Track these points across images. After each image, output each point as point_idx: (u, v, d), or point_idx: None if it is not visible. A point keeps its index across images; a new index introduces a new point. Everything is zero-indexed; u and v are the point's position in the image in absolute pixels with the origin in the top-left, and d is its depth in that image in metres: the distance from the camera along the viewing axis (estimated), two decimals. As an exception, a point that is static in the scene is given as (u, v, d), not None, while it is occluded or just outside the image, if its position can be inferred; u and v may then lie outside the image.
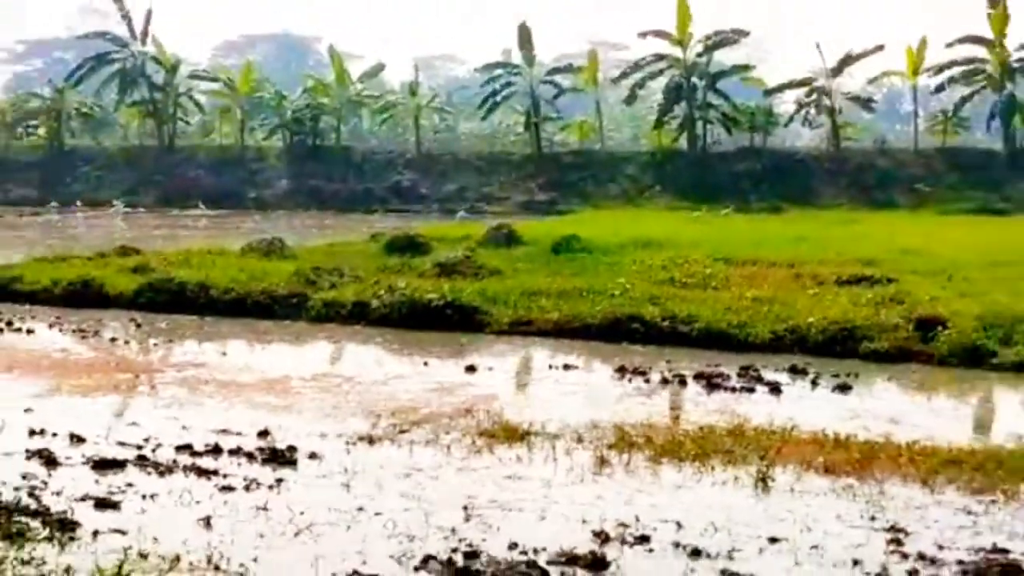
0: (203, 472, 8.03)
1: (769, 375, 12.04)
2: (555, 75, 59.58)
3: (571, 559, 6.30)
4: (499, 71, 60.25)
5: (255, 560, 6.20)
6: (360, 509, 7.22)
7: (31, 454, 8.42)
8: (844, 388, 11.63)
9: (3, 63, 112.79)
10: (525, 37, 57.81)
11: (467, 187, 52.95)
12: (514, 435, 9.20)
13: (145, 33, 60.17)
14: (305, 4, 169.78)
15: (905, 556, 6.48)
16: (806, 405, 10.81)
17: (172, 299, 17.02)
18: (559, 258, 21.47)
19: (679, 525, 6.94)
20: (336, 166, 56.18)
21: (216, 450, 8.59)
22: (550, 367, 12.94)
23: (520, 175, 54.45)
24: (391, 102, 64.23)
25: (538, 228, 28.57)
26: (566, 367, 12.81)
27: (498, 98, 59.16)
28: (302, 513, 7.08)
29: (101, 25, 64.83)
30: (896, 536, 6.82)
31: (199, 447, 8.65)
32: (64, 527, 6.71)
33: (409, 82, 65.50)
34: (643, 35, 55.71)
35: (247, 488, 7.68)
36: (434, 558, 6.26)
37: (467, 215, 43.94)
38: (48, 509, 7.06)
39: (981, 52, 52.49)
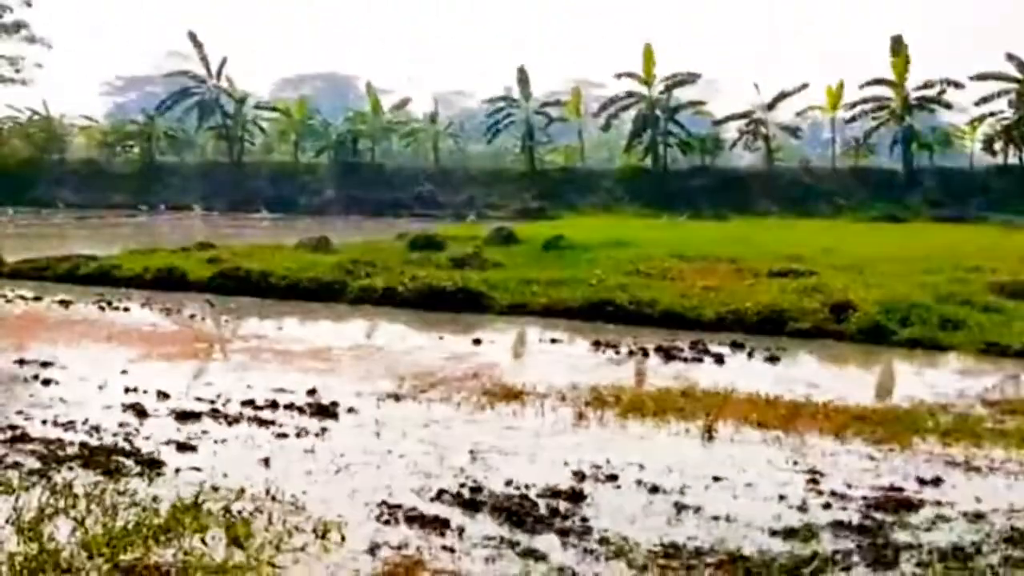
0: (263, 422, 8.03)
1: (714, 348, 12.02)
2: (546, 108, 59.44)
3: (555, 493, 6.31)
4: (501, 104, 60.19)
5: (304, 492, 6.20)
6: (388, 452, 7.22)
7: (126, 407, 8.41)
8: (774, 359, 11.62)
9: (106, 95, 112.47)
10: (523, 77, 57.81)
11: (475, 196, 52.80)
12: (511, 395, 9.20)
13: (219, 72, 60.00)
14: (348, 49, 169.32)
15: (820, 493, 6.49)
16: (744, 372, 10.78)
17: (239, 284, 16.99)
18: (548, 254, 21.41)
19: (641, 467, 6.94)
20: (371, 179, 56.04)
21: (274, 405, 8.59)
22: (540, 341, 12.95)
23: (517, 187, 54.33)
24: (415, 128, 64.17)
25: (531, 230, 28.49)
26: (553, 341, 12.81)
27: (500, 126, 59.18)
28: (342, 455, 7.09)
29: (184, 65, 64.32)
30: (813, 477, 6.82)
31: (260, 402, 8.64)
32: (152, 465, 6.71)
33: (430, 113, 65.30)
34: (618, 76, 55.71)
35: (298, 435, 7.68)
36: (446, 491, 6.27)
37: (475, 219, 43.83)
38: (139, 451, 7.06)
39: (886, 91, 52.48)
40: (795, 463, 7.17)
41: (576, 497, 6.26)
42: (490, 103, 61.53)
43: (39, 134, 61.89)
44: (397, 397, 9.10)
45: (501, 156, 63.96)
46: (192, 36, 59.75)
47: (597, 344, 12.30)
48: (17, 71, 59.07)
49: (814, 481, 6.72)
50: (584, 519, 5.90)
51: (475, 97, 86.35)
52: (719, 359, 11.51)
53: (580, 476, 6.69)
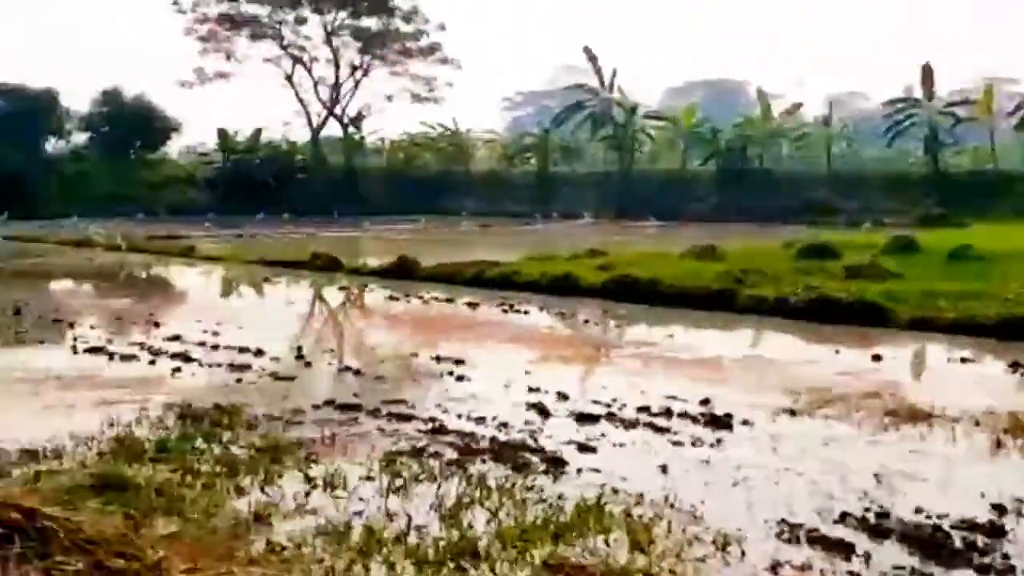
0: (658, 429, 8.15)
1: None
2: (952, 107, 55.42)
3: (971, 526, 5.84)
4: (901, 104, 56.93)
5: (702, 502, 6.22)
6: (786, 469, 7.05)
7: (530, 406, 8.88)
8: None
9: (505, 110, 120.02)
10: (926, 75, 54.27)
11: (870, 203, 50.31)
12: (916, 416, 8.63)
13: (611, 84, 61.93)
14: (736, 54, 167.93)
15: None
16: None
17: (628, 291, 17.34)
18: (954, 265, 19.92)
19: (1074, 506, 6.25)
20: (758, 186, 55.24)
21: (667, 412, 8.68)
22: (947, 360, 12.03)
23: (918, 193, 51.09)
24: (807, 133, 62.36)
25: (935, 238, 26.65)
26: (962, 360, 11.85)
27: (900, 128, 55.93)
28: (738, 468, 7.02)
29: (578, 79, 67.12)
30: None
31: (654, 409, 8.76)
32: (555, 463, 7.03)
33: (822, 116, 63.18)
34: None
35: (693, 444, 7.71)
36: (850, 514, 6.01)
37: (871, 226, 41.73)
38: (543, 448, 7.42)
39: None
40: None
41: (996, 532, 5.76)
42: (889, 104, 58.38)
43: (448, 148, 67.29)
44: (792, 412, 8.86)
45: (899, 160, 60.48)
46: (587, 51, 62.16)
47: (1015, 366, 11.22)
48: (431, 90, 64.71)
49: None
50: (1006, 556, 5.41)
51: (871, 99, 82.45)
52: None
53: (1000, 510, 6.14)
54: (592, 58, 61.94)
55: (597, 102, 62.25)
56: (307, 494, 6.30)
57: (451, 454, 7.25)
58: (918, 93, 55.89)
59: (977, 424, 8.38)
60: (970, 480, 6.83)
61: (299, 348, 12.03)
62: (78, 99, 62.44)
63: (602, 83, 62.17)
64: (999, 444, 7.79)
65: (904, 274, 17.98)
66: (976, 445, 7.78)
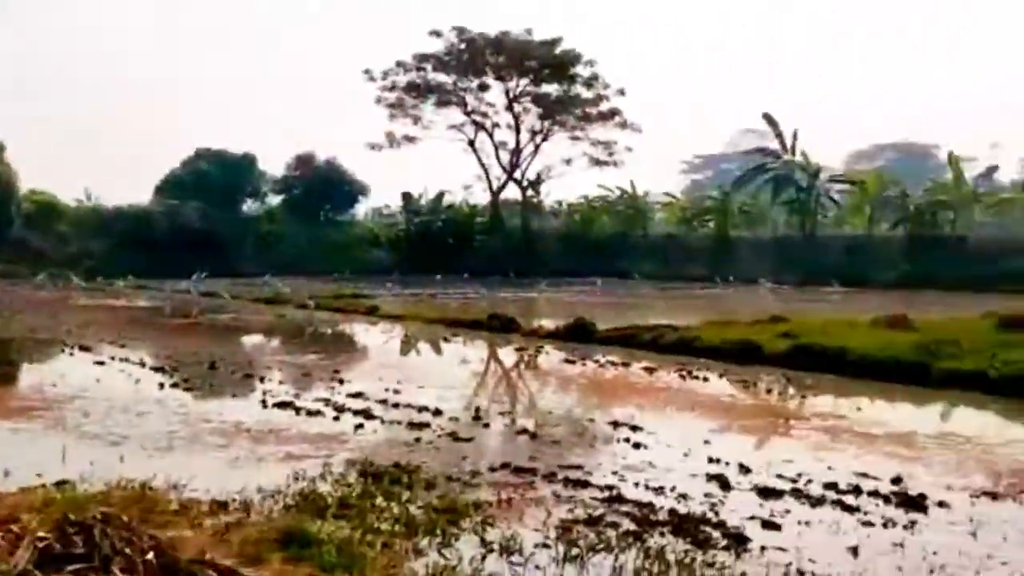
0: (846, 507, 7.76)
1: None
2: None
3: None
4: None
5: (896, 590, 5.86)
6: (989, 557, 6.57)
7: (710, 477, 8.64)
8: None
9: (684, 172, 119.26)
10: None
11: (1074, 271, 47.09)
12: None
13: (793, 147, 60.77)
14: (924, 116, 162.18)
15: None
16: None
17: (813, 359, 16.74)
18: None
19: None
20: (951, 252, 52.68)
21: (856, 490, 8.27)
22: None
23: None
24: (1004, 197, 59.32)
25: None
26: None
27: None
28: (935, 553, 6.59)
29: (759, 142, 66.23)
30: None
31: (843, 486, 8.37)
32: (737, 540, 6.78)
33: (1021, 179, 59.99)
34: None
35: (884, 525, 7.30)
36: (1062, 613, 5.54)
37: (1077, 297, 39.01)
38: (724, 523, 7.18)
39: None
40: None
41: None
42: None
43: (626, 211, 67.36)
44: (995, 496, 8.28)
45: (1109, 226, 56.62)
46: (767, 117, 61.32)
47: None
48: (610, 154, 65.07)
49: None
50: None
51: (1075, 160, 77.73)
52: None
53: None
54: (772, 123, 61.06)
55: (779, 165, 61.14)
56: (483, 558, 6.28)
57: (628, 524, 7.10)
58: None
59: None
60: None
61: (476, 409, 12.14)
62: (273, 162, 65.85)
63: (783, 146, 61.09)
64: None
65: (1118, 349, 16.63)
66: None
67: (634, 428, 10.92)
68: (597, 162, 65.19)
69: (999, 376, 14.47)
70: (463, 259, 56.56)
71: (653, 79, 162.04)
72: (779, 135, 61.06)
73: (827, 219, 64.24)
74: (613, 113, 63.77)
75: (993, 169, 61.52)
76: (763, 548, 6.61)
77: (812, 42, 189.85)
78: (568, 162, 65.13)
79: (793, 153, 60.83)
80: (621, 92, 63.50)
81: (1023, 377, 14.19)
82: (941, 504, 7.91)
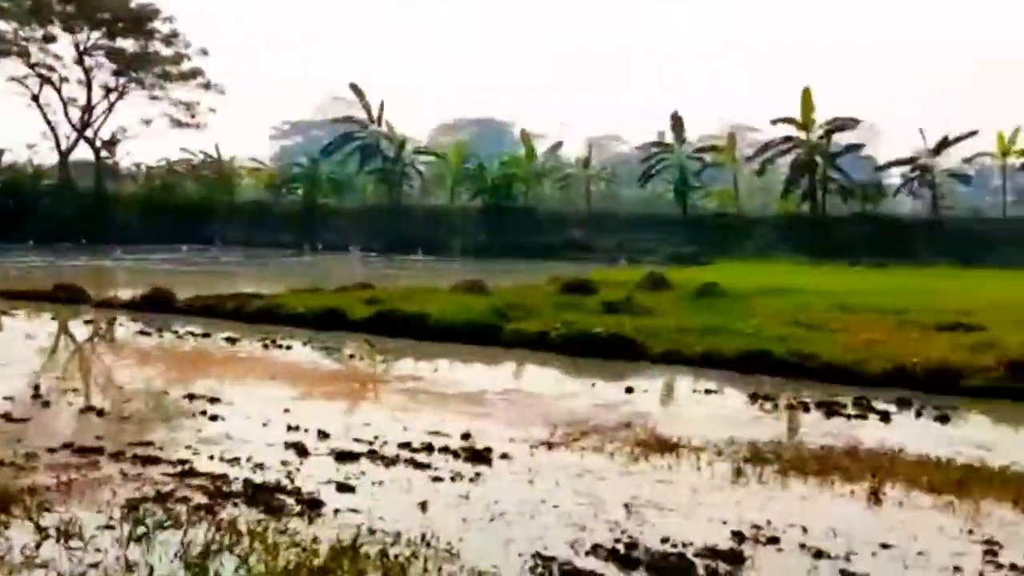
0: (419, 465, 8.08)
1: (879, 405, 11.51)
2: (700, 153, 59.09)
3: (713, 553, 6.11)
4: (654, 149, 60.14)
5: (460, 540, 6.19)
6: (542, 502, 7.15)
7: (288, 445, 8.61)
8: (944, 419, 11.04)
9: (273, 139, 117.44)
10: (676, 122, 57.65)
11: (626, 241, 52.68)
12: (665, 447, 9.00)
13: (380, 117, 62.01)
14: (503, 94, 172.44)
15: (999, 566, 6.08)
16: (911, 432, 10.28)
17: (396, 325, 17.30)
18: (701, 301, 21.09)
19: (804, 530, 6.66)
20: (523, 223, 56.66)
21: (429, 448, 8.65)
22: (694, 391, 12.67)
23: (669, 232, 53.97)
24: (568, 173, 64.74)
25: (684, 276, 28.22)
26: (707, 392, 12.53)
27: (653, 171, 59.02)
28: (496, 503, 7.06)
29: (347, 111, 66.79)
30: (991, 548, 6.40)
31: (416, 445, 8.71)
32: (312, 505, 6.83)
33: (583, 157, 65.76)
34: (775, 122, 54.90)
35: (453, 480, 7.70)
36: (601, 546, 6.15)
37: (626, 264, 43.67)
38: (300, 490, 7.19)
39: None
40: (970, 532, 6.75)
41: (736, 559, 6.04)
42: (643, 149, 61.58)
43: (210, 176, 65.16)
44: (550, 445, 9.03)
45: (654, 201, 63.74)
46: (354, 87, 62.04)
47: (754, 397, 11.97)
48: (192, 116, 62.62)
49: (992, 553, 6.31)
50: (745, 582, 5.69)
51: (628, 142, 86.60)
52: (885, 417, 11.01)
53: (740, 537, 6.46)
54: (359, 93, 61.87)
55: (366, 134, 62.16)
56: (38, 545, 5.81)
57: (200, 498, 6.90)
58: (670, 138, 59.18)
59: (720, 453, 8.82)
60: (713, 508, 7.15)
61: (36, 387, 11.18)
62: None
63: (370, 116, 62.18)
64: (739, 473, 8.21)
65: (656, 310, 18.85)
66: (718, 474, 8.17)
67: (212, 400, 10.63)
68: (179, 123, 62.54)
69: (559, 336, 15.81)
70: (26, 225, 51.77)
71: (241, 40, 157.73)
72: (366, 105, 62.05)
73: (413, 189, 66.39)
74: (195, 73, 61.38)
75: (559, 145, 66.73)
76: (336, 511, 6.71)
77: (399, 15, 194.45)
78: (148, 123, 61.84)
79: (380, 124, 62.11)
80: (204, 52, 61.31)
81: (579, 336, 15.61)
82: (504, 456, 8.48)
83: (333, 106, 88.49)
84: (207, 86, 61.73)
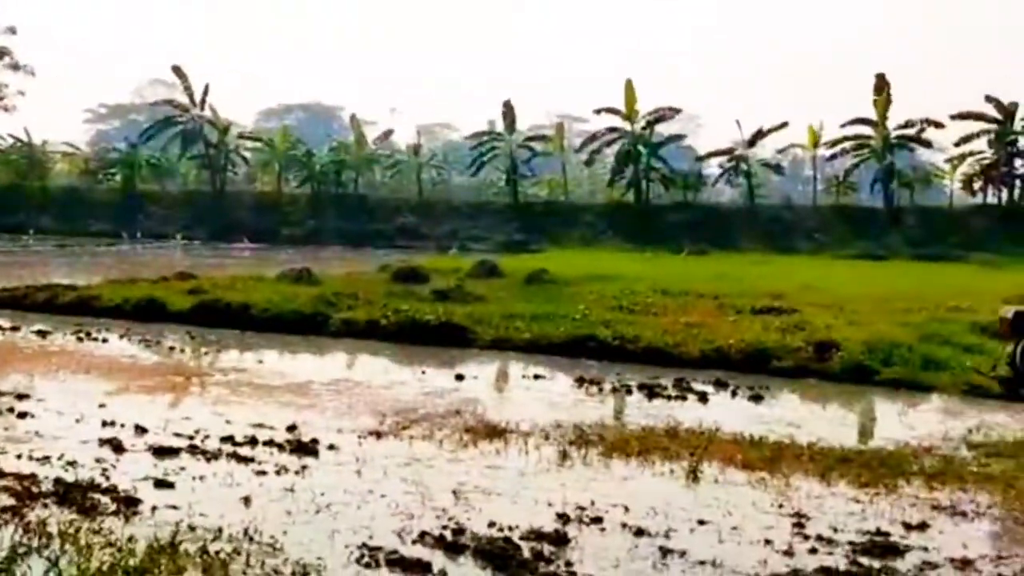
0: (242, 459, 7.90)
1: (698, 386, 11.98)
2: (530, 142, 59.88)
3: (539, 535, 6.21)
4: (485, 137, 60.56)
5: (284, 533, 6.08)
6: (369, 492, 7.11)
7: (103, 442, 8.26)
8: (757, 398, 11.58)
9: (89, 122, 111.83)
10: (507, 111, 58.23)
11: (458, 228, 52.94)
12: (494, 432, 9.10)
13: (203, 101, 60.09)
14: (332, 79, 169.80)
15: (807, 537, 6.42)
16: (727, 411, 10.74)
17: (219, 316, 16.83)
18: (531, 288, 21.42)
19: (626, 509, 6.86)
20: (353, 210, 56.10)
21: (253, 441, 8.46)
22: (523, 377, 12.86)
23: (501, 220, 54.54)
24: (398, 160, 64.47)
25: (515, 263, 28.57)
26: (536, 377, 12.73)
27: (484, 159, 59.51)
28: (322, 494, 6.97)
29: (168, 94, 64.40)
30: (799, 520, 6.76)
31: (239, 438, 8.51)
32: (128, 503, 6.57)
33: (413, 144, 65.58)
34: (598, 111, 56.24)
35: (278, 473, 7.56)
36: (428, 533, 6.17)
37: (458, 251, 43.85)
38: (116, 487, 6.91)
39: (867, 130, 53.08)
40: (780, 506, 7.11)
41: (560, 540, 6.17)
42: (474, 137, 61.86)
43: (20, 161, 61.68)
44: (379, 434, 8.99)
45: (485, 189, 64.23)
46: (176, 69, 59.92)
47: (580, 381, 12.24)
48: (0, 98, 58.98)
49: (800, 525, 6.66)
50: (568, 563, 5.81)
51: (459, 130, 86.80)
52: (703, 397, 11.47)
53: (564, 518, 6.60)
54: (181, 75, 59.78)
55: (187, 119, 60.12)
56: None
57: (6, 500, 6.53)
58: (500, 127, 59.69)
59: (547, 437, 8.98)
60: (539, 492, 7.28)
61: None
62: None
63: (192, 100, 60.16)
64: (565, 456, 8.40)
65: (487, 297, 19.01)
66: (545, 457, 8.33)
67: (20, 397, 10.06)
68: (-17, 105, 58.77)
69: (389, 324, 15.74)
70: None
71: (54, 18, 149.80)
72: (187, 88, 60.00)
73: (238, 176, 64.71)
74: (3, 53, 57.84)
75: (389, 132, 66.34)
76: (154, 508, 6.48)
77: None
78: (-53, 103, 57.83)
79: (202, 108, 60.20)
80: (12, 31, 57.83)
81: (409, 324, 15.59)
82: (331, 447, 8.38)
83: (153, 89, 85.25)
84: (16, 67, 58.31)
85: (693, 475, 7.86)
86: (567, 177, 60.62)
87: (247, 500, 6.78)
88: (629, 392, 11.73)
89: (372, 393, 11.29)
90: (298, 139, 64.23)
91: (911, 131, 52.26)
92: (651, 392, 11.62)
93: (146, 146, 61.73)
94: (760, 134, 54.82)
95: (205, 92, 60.01)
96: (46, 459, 7.64)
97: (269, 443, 8.41)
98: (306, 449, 8.28)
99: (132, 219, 54.68)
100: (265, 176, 64.86)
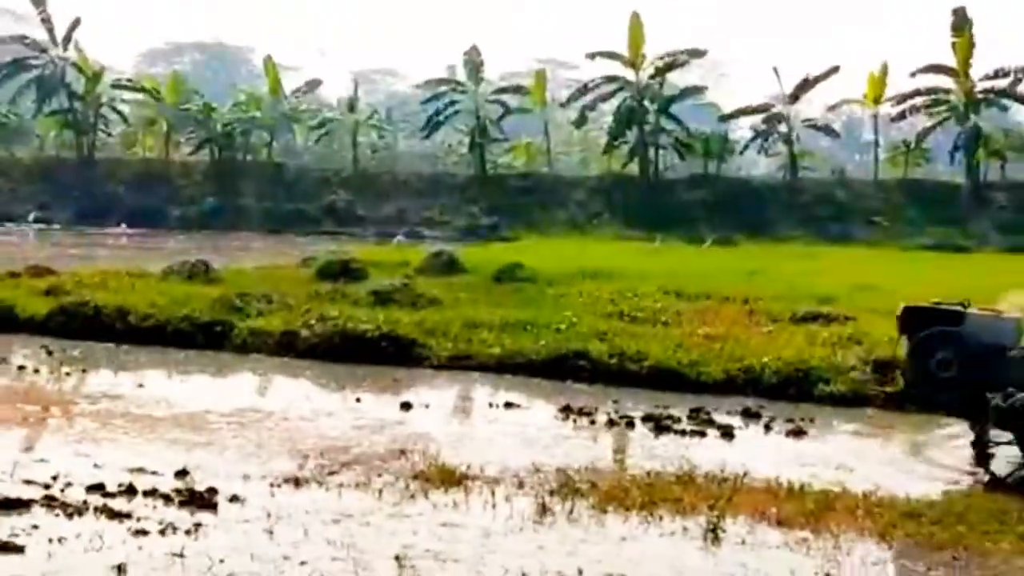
0: (116, 514, 7.86)
1: (721, 418, 12.06)
2: (502, 94, 59.97)
3: (509, 615, 6.25)
4: (443, 88, 60.56)
5: (169, 614, 6.09)
6: (285, 558, 7.11)
7: (-71, 492, 8.24)
8: (799, 433, 11.67)
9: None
10: (472, 55, 58.02)
11: (406, 209, 52.99)
12: (451, 479, 9.12)
13: (67, 39, 59.73)
14: (238, 12, 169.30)
15: (861, 616, 6.49)
16: (759, 451, 10.82)
17: (87, 324, 16.77)
18: (502, 288, 21.45)
19: (625, 580, 6.91)
20: (266, 184, 56.01)
21: (130, 491, 8.43)
22: (490, 405, 12.89)
23: (462, 198, 54.58)
24: (327, 118, 64.33)
25: (480, 255, 28.62)
26: (507, 405, 12.77)
27: (441, 116, 59.51)
28: (222, 561, 6.96)
29: (18, 29, 64.00)
30: (852, 594, 6.83)
31: (112, 487, 8.47)
32: (-39, 574, 6.57)
33: (347, 97, 65.55)
34: (592, 56, 56.02)
35: (162, 533, 7.54)
36: (360, 615, 6.19)
37: (405, 239, 43.90)
38: (-56, 553, 6.91)
39: (945, 81, 53.25)
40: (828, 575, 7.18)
41: (537, 621, 6.20)
42: (428, 87, 61.84)
43: None
44: (298, 481, 8.99)
45: (441, 157, 64.33)
46: (31, -8, 59.52)
47: (566, 411, 12.29)
48: None
49: (853, 600, 6.73)
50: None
51: (408, 79, 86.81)
52: (727, 432, 11.55)
53: (544, 591, 6.64)
54: (38, 2, 59.34)
55: (45, 62, 59.76)
56: None
57: None
58: (463, 75, 59.64)
59: (521, 486, 9.02)
60: (510, 557, 7.30)
61: None
62: None
63: (53, 37, 59.81)
64: (545, 509, 8.43)
65: (443, 300, 19.03)
66: (518, 512, 8.35)
67: None
68: None
69: (313, 336, 15.73)
70: None
71: None
72: (46, 20, 59.56)
73: (113, 138, 64.45)
74: None
75: (317, 82, 66.06)
76: (-4, 580, 6.47)
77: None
78: None
79: (66, 47, 59.81)
80: None
81: (341, 337, 15.58)
82: (234, 499, 8.37)
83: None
84: None
85: (713, 535, 7.91)
86: (550, 142, 60.78)
87: (120, 569, 6.77)
88: (630, 425, 11.79)
89: (289, 427, 11.29)
90: (193, 89, 64.01)
91: (1002, 83, 52.72)
92: (659, 425, 11.68)
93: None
94: (805, 85, 55.07)
95: (72, 27, 59.66)
96: None
97: (151, 493, 8.39)
98: (200, 501, 8.26)
99: (-30, 195, 54.41)
100: (149, 139, 64.63)
